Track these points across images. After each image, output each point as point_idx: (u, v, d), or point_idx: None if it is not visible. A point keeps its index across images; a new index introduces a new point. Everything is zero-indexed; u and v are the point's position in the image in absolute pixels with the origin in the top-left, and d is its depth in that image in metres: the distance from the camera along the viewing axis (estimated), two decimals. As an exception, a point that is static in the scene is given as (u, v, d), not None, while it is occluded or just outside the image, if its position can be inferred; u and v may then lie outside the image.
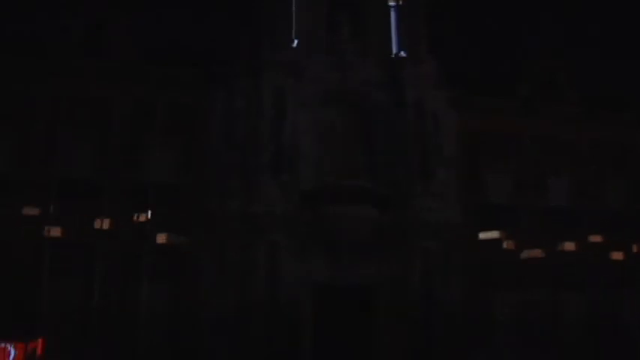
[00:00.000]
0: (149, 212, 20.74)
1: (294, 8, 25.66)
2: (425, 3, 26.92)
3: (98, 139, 24.23)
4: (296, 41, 25.15)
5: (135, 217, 21.78)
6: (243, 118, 24.38)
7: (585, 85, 28.96)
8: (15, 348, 17.67)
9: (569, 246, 26.30)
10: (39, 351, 18.04)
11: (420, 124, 25.28)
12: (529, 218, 26.38)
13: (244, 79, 24.71)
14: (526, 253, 25.99)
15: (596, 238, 26.42)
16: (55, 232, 22.11)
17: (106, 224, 22.41)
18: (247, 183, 23.48)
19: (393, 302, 23.91)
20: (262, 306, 22.22)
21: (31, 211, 22.31)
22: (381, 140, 25.47)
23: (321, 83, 25.17)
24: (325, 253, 23.66)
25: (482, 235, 25.56)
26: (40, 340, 18.06)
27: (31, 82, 23.73)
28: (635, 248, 26.94)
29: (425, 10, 26.82)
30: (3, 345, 17.67)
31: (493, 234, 25.67)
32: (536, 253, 26.08)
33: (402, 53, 26.12)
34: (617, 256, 26.66)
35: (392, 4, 26.86)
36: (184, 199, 23.60)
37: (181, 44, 26.06)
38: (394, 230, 24.17)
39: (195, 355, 22.28)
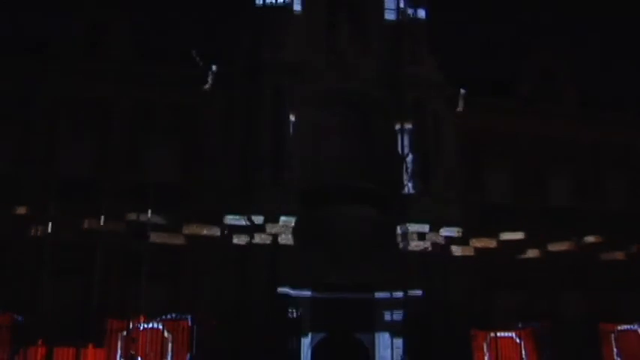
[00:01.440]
0: (149, 212, 20.72)
1: (294, 8, 25.65)
2: (425, 3, 26.92)
3: (98, 139, 24.24)
4: (296, 41, 25.13)
5: (135, 217, 21.76)
6: (244, 118, 24.39)
7: (585, 85, 28.97)
8: None
9: (569, 246, 26.32)
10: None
11: (419, 124, 25.27)
12: (529, 218, 26.36)
13: (244, 79, 24.71)
14: (526, 253, 26.01)
15: (596, 238, 26.42)
16: (55, 232, 22.13)
17: (106, 224, 22.41)
18: (247, 183, 23.49)
19: (392, 302, 23.91)
20: (262, 305, 22.20)
21: (31, 211, 22.35)
22: (380, 140, 25.48)
23: (321, 83, 25.17)
24: (325, 252, 23.63)
25: (482, 235, 25.59)
26: None
27: (32, 82, 23.73)
28: (635, 248, 26.92)
29: (425, 10, 26.81)
30: None
31: (493, 234, 25.72)
32: (536, 253, 26.11)
33: (402, 53, 26.09)
34: (617, 256, 26.67)
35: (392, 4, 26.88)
36: (184, 199, 23.60)
37: (181, 44, 26.06)
38: (394, 230, 24.18)
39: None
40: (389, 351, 23.54)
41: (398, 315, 23.80)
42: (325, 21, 26.20)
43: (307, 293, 23.11)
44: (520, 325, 21.79)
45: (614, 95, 29.28)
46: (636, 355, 21.44)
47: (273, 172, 23.50)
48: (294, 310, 21.99)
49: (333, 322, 23.29)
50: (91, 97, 24.24)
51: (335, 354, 23.20)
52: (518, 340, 21.24)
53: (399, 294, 23.86)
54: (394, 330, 23.67)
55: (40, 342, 18.05)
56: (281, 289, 22.16)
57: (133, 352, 18.08)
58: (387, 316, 23.95)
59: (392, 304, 23.92)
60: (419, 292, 23.52)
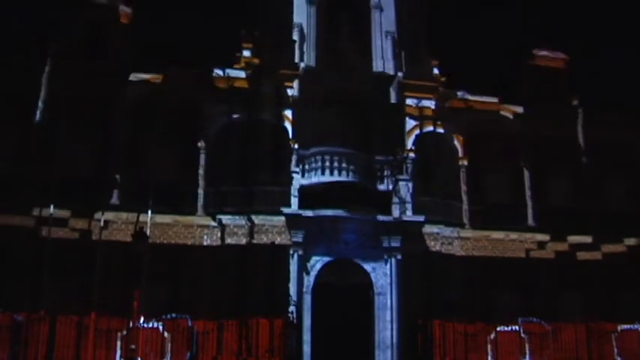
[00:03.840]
0: (149, 212, 20.73)
1: (294, 8, 25.69)
2: (425, 3, 26.93)
3: (98, 139, 24.24)
4: (296, 41, 25.14)
5: (134, 217, 21.77)
6: (244, 118, 24.39)
7: (585, 85, 28.96)
8: None
9: (569, 246, 26.32)
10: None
11: (419, 125, 25.28)
12: (530, 218, 26.36)
13: (244, 78, 24.70)
14: (526, 253, 26.01)
15: (596, 238, 26.42)
16: (55, 232, 22.14)
17: (105, 224, 22.42)
18: (247, 183, 23.50)
19: (392, 302, 23.91)
20: (262, 306, 22.20)
21: (31, 211, 22.35)
22: (380, 140, 25.48)
23: (321, 83, 25.18)
24: (325, 253, 23.65)
25: (483, 235, 25.61)
26: None
27: (32, 82, 23.73)
28: (634, 248, 26.91)
29: (425, 10, 26.83)
30: None
31: (493, 234, 25.73)
32: (537, 253, 26.11)
33: (402, 53, 26.09)
34: (616, 256, 26.66)
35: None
36: (184, 198, 23.61)
37: (181, 44, 26.08)
38: (394, 230, 24.18)
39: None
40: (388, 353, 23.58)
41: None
42: (325, 21, 26.22)
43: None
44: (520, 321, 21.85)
45: (614, 95, 29.26)
46: (636, 355, 21.45)
47: (273, 172, 23.52)
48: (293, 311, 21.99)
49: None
50: (91, 97, 24.24)
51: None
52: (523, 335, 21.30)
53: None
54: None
55: None
56: None
57: (133, 347, 18.08)
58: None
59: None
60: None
